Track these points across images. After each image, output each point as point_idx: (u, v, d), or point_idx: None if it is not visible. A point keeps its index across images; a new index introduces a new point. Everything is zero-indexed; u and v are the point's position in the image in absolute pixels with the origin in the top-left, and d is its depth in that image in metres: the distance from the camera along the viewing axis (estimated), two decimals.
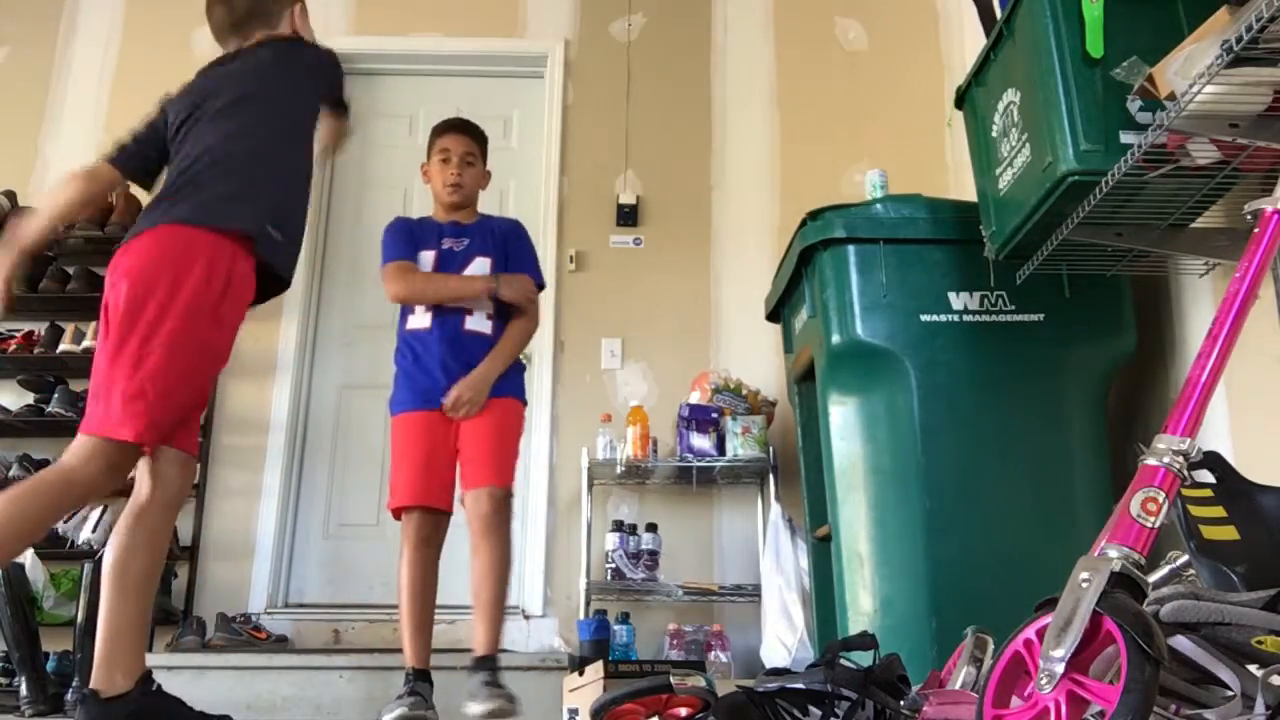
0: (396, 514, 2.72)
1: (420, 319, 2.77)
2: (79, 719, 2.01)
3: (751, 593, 3.65)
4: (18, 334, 4.02)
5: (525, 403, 2.84)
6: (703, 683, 1.66)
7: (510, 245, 2.88)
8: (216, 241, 2.16)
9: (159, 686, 2.16)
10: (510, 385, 2.79)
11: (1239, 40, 1.57)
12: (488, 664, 2.56)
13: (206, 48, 4.49)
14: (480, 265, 2.81)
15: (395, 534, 4.14)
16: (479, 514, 2.62)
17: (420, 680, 2.57)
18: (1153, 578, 1.46)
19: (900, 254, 2.62)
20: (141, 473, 2.14)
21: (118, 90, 4.47)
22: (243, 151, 2.27)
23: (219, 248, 2.15)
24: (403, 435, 2.73)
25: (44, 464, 3.85)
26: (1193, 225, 2.19)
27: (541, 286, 2.90)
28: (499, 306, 2.78)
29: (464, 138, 2.93)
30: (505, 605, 2.68)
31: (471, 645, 2.61)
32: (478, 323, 2.76)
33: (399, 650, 2.69)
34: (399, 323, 2.83)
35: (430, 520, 2.67)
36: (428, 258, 2.81)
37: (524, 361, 2.89)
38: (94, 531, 3.68)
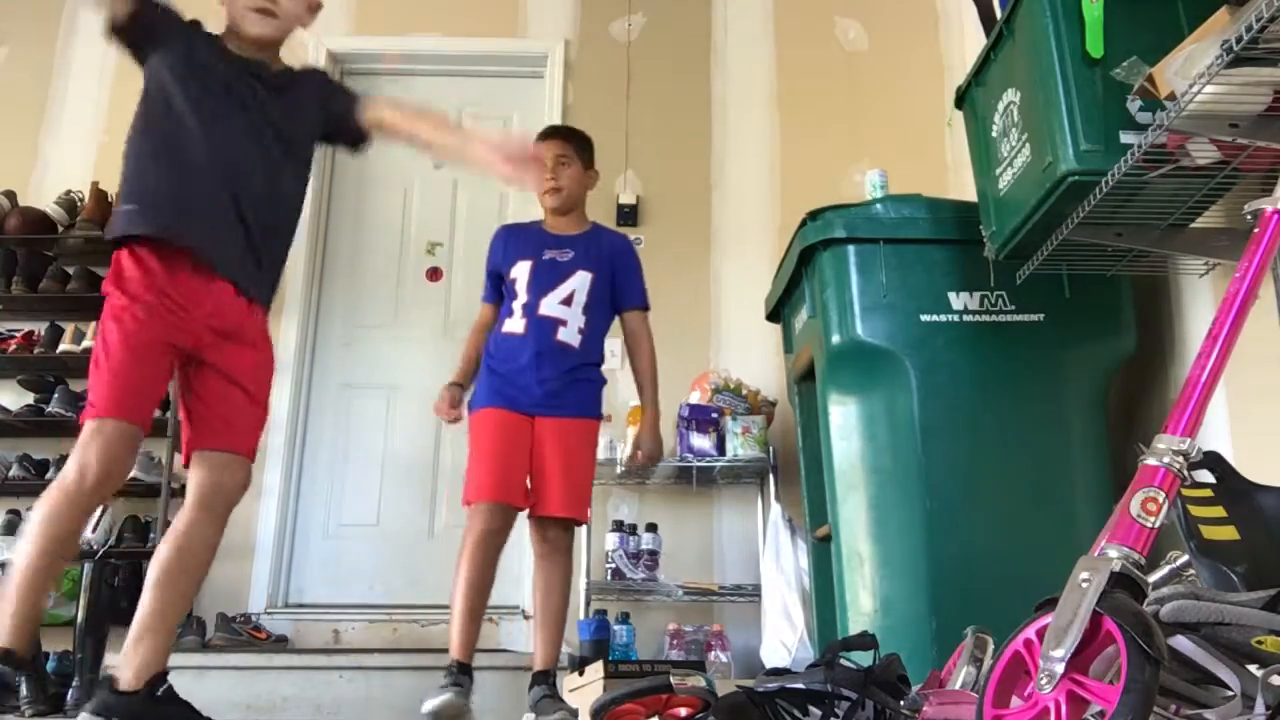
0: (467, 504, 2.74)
1: (516, 324, 2.77)
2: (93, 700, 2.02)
3: (751, 593, 3.65)
4: (18, 334, 4.02)
5: (601, 418, 2.91)
6: (703, 683, 1.66)
7: (617, 262, 2.88)
8: None
9: (168, 689, 2.04)
10: (590, 402, 2.84)
11: (1239, 40, 1.57)
12: (545, 678, 2.63)
13: None
14: (581, 280, 2.80)
15: (395, 534, 4.18)
16: (543, 539, 2.70)
17: (463, 673, 2.56)
18: (1153, 578, 1.46)
19: (900, 254, 2.62)
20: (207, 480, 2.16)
21: (118, 90, 4.47)
22: None
23: None
24: (481, 430, 2.73)
25: (44, 464, 3.86)
26: (1193, 225, 2.19)
27: (646, 308, 2.94)
28: (590, 319, 2.81)
29: (554, 141, 2.92)
30: (564, 620, 2.73)
31: (531, 660, 2.69)
32: (570, 335, 2.78)
33: (399, 650, 2.70)
34: (497, 324, 2.85)
35: (499, 514, 2.65)
36: (524, 268, 2.81)
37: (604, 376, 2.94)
38: (94, 531, 3.67)
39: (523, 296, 2.78)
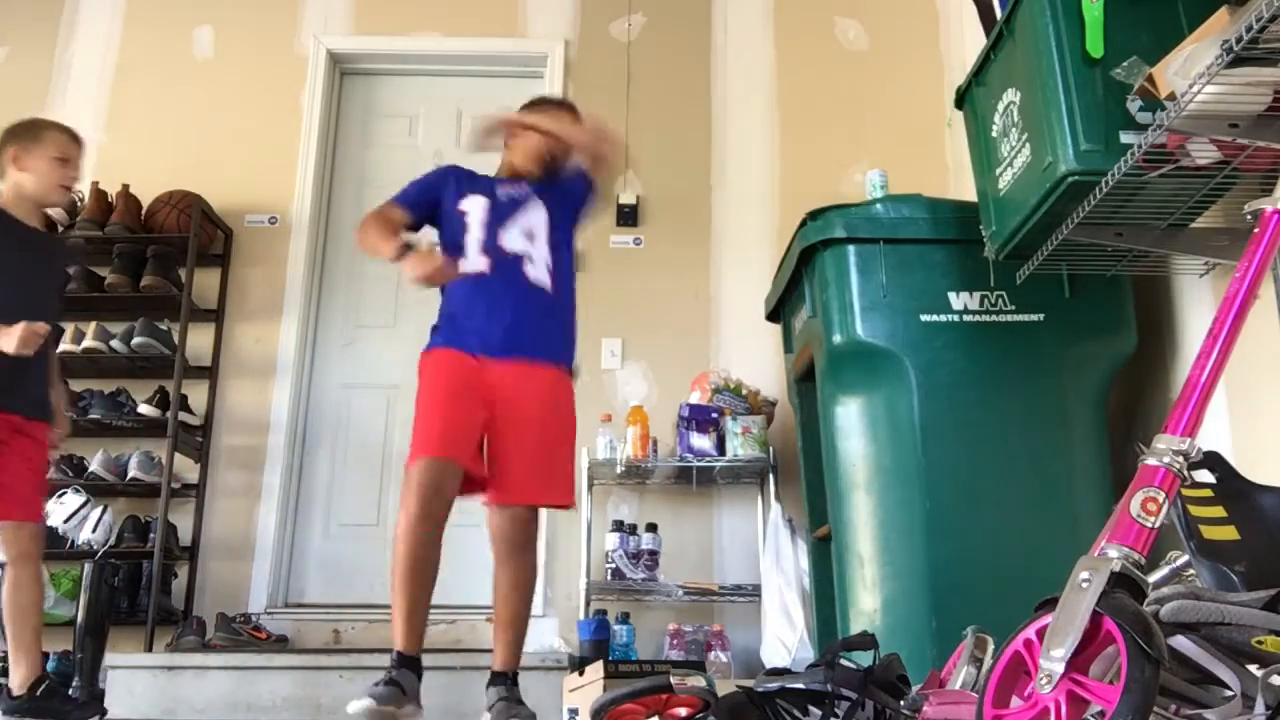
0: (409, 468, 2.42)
1: (476, 262, 2.50)
2: None
3: (751, 593, 3.64)
4: None
5: (575, 374, 2.61)
6: (703, 683, 1.66)
7: (573, 188, 2.66)
8: None
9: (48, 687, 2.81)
10: (564, 350, 2.57)
11: (1239, 40, 1.57)
12: (504, 680, 2.43)
13: (207, 48, 4.53)
14: (539, 214, 2.58)
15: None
16: (506, 533, 2.44)
17: (405, 668, 2.25)
18: (1153, 578, 1.46)
19: (900, 254, 2.62)
20: None
21: (118, 90, 4.47)
22: None
23: None
24: (432, 374, 2.46)
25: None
26: (1193, 225, 2.19)
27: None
28: (556, 258, 2.57)
29: (561, 111, 2.75)
30: (528, 619, 2.53)
31: (492, 659, 2.48)
32: (539, 274, 2.53)
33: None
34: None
35: (439, 469, 2.32)
36: (478, 202, 2.58)
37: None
38: (94, 532, 3.68)
39: (477, 232, 2.53)
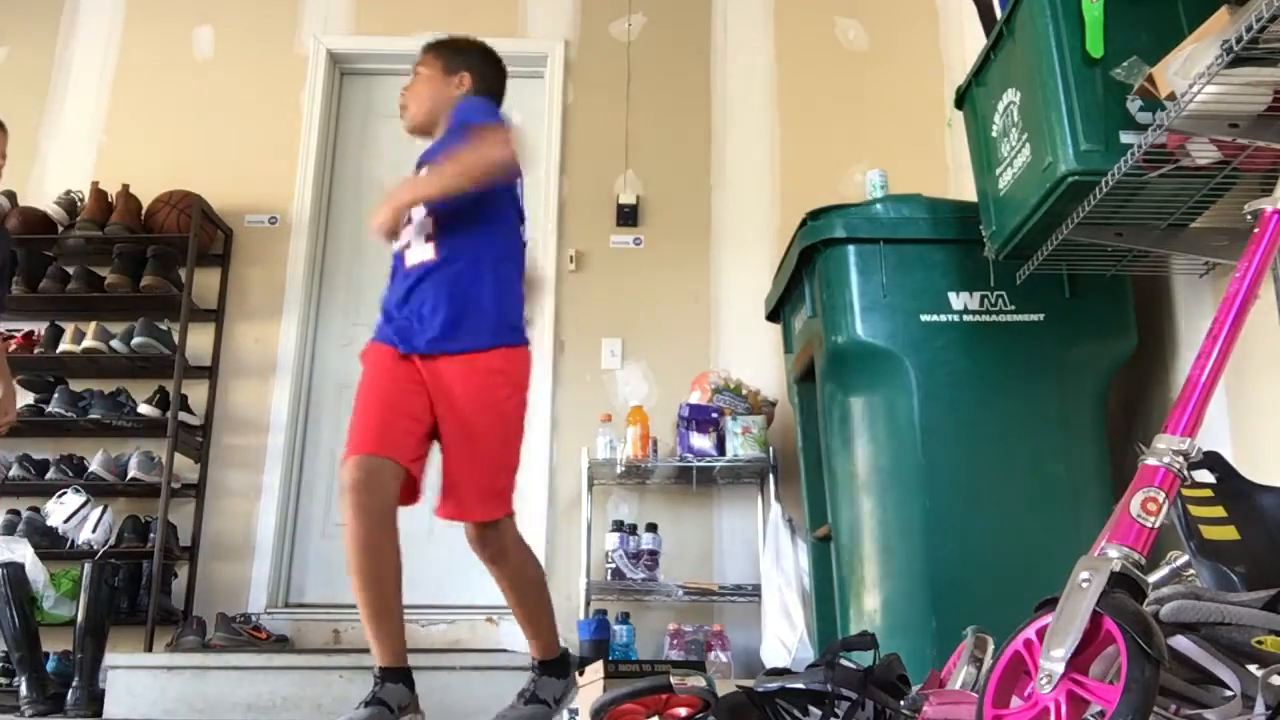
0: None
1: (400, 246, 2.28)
2: None
3: (751, 593, 3.64)
4: (18, 334, 4.02)
5: (525, 345, 2.27)
6: (703, 683, 1.66)
7: (451, 131, 2.31)
8: None
9: None
10: (474, 328, 2.20)
11: (1239, 40, 1.57)
12: (549, 668, 2.33)
13: (207, 48, 4.53)
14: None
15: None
16: (480, 542, 2.27)
17: (389, 682, 2.06)
18: (1153, 578, 1.46)
19: (900, 254, 2.62)
20: None
21: (118, 90, 4.47)
22: None
23: None
24: (364, 370, 2.32)
25: (44, 464, 3.86)
26: (1193, 225, 2.19)
27: (480, 125, 2.22)
28: (437, 217, 2.23)
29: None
30: (546, 605, 2.36)
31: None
32: (420, 251, 2.23)
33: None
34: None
35: (369, 464, 2.12)
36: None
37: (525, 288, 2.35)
38: (94, 532, 3.68)
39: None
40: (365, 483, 2.10)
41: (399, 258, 2.29)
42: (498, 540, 2.25)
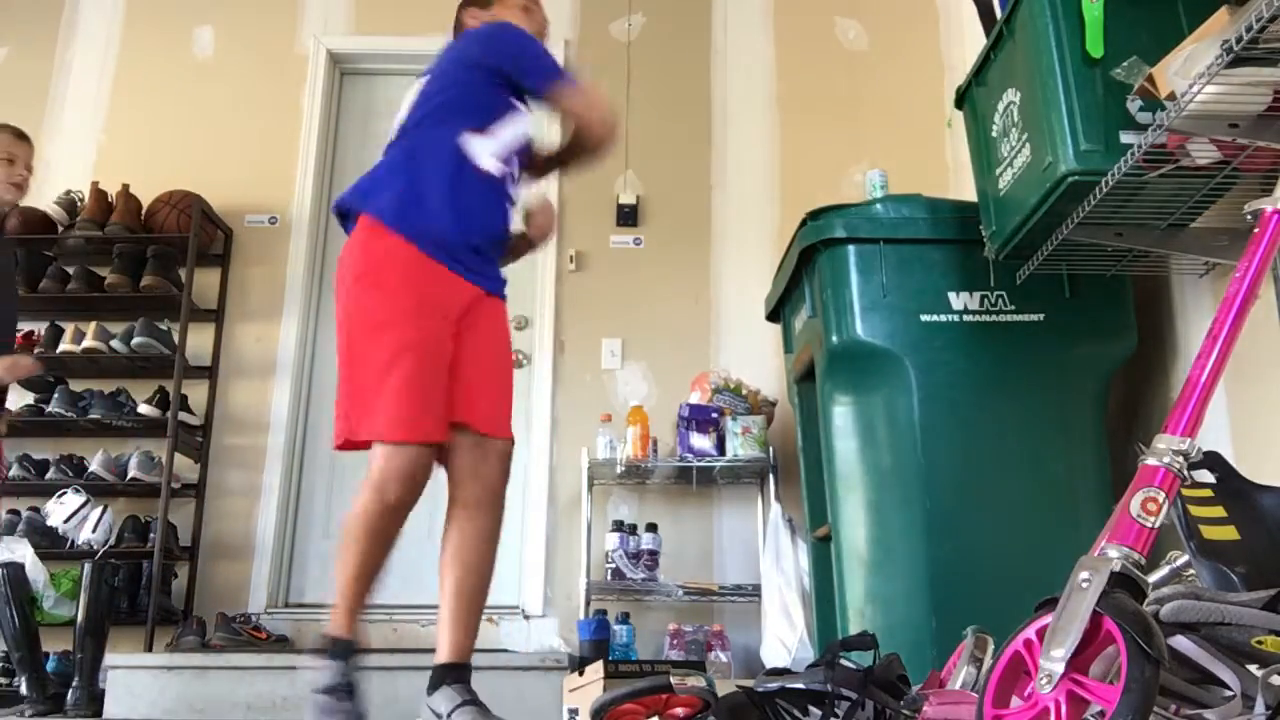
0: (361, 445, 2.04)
1: (492, 161, 2.16)
2: None
3: (751, 593, 3.64)
4: (18, 334, 4.02)
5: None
6: (703, 683, 1.66)
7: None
8: None
9: None
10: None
11: (1239, 40, 1.57)
12: (462, 675, 2.04)
13: (207, 48, 4.53)
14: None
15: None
16: (487, 475, 2.09)
17: (351, 654, 1.97)
18: (1153, 578, 1.46)
19: (900, 254, 2.62)
20: None
21: (118, 90, 4.48)
22: None
23: None
24: (409, 292, 2.05)
25: (44, 464, 3.86)
26: (1193, 225, 2.19)
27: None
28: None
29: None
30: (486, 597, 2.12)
31: (441, 649, 2.06)
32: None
33: (399, 650, 2.65)
34: (461, 155, 2.12)
35: (427, 458, 2.02)
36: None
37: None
38: (94, 532, 3.68)
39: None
40: (415, 478, 2.00)
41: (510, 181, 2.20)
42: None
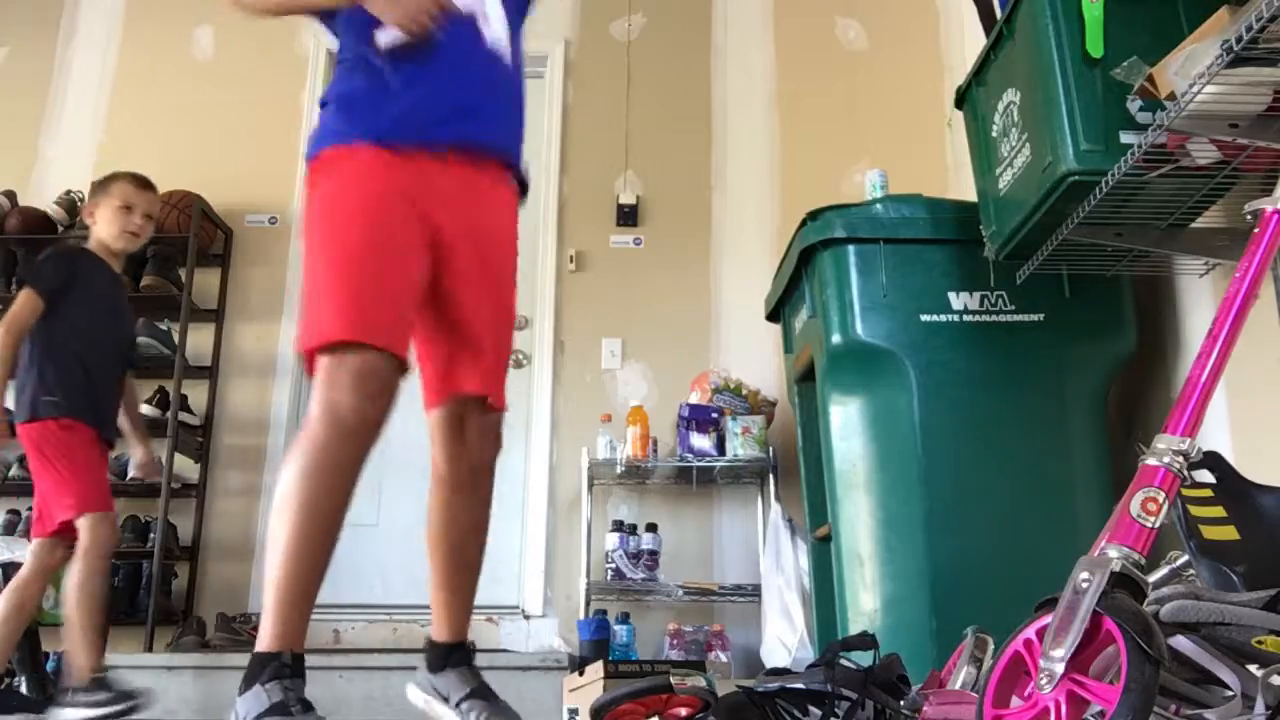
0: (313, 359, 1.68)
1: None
2: None
3: (751, 593, 3.65)
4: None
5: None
6: (703, 683, 1.66)
7: None
8: None
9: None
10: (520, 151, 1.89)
11: (1239, 40, 1.57)
12: (468, 655, 1.88)
13: (207, 49, 4.53)
14: None
15: (395, 534, 4.18)
16: (483, 450, 1.89)
17: (299, 674, 1.56)
18: (1153, 578, 1.46)
19: (900, 254, 2.62)
20: None
21: (117, 91, 4.48)
22: None
23: None
24: (356, 194, 1.74)
25: None
26: (1193, 225, 2.19)
27: None
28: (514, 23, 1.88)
29: None
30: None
31: (442, 629, 1.89)
32: (497, 34, 1.84)
33: (399, 650, 2.65)
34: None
35: (390, 374, 1.66)
36: None
37: None
38: None
39: None
40: (372, 387, 1.66)
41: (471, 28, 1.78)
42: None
